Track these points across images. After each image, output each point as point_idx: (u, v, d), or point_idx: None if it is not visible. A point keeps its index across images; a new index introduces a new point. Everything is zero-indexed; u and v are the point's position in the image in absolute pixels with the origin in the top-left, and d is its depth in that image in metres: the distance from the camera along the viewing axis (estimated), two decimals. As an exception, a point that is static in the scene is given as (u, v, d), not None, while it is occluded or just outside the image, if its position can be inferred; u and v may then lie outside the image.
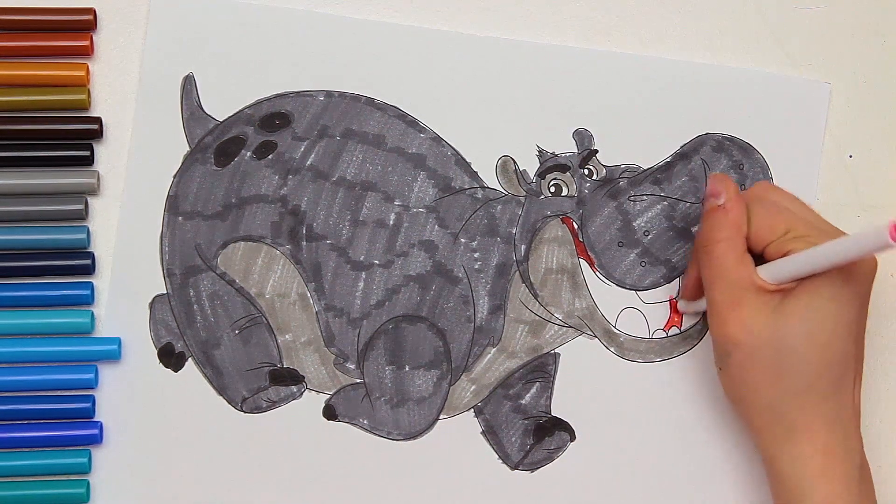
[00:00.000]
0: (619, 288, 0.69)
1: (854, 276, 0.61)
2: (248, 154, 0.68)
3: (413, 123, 0.69)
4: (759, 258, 0.63)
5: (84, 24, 0.67)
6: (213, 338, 0.68)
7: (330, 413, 0.68)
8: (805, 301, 0.60)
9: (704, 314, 0.68)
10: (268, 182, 0.68)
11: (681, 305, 0.69)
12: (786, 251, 0.62)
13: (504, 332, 0.69)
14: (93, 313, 0.67)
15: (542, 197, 0.69)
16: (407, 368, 0.68)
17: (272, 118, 0.69)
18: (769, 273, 0.62)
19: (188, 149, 0.68)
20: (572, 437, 0.69)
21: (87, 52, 0.67)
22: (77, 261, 0.67)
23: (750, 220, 0.63)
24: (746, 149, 0.69)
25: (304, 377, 0.68)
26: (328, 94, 0.69)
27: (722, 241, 0.63)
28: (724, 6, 0.70)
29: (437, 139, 0.69)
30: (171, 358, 0.68)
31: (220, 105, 0.69)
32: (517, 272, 0.69)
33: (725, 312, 0.62)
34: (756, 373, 0.61)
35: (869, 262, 0.62)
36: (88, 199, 0.68)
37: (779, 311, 0.61)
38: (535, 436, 0.69)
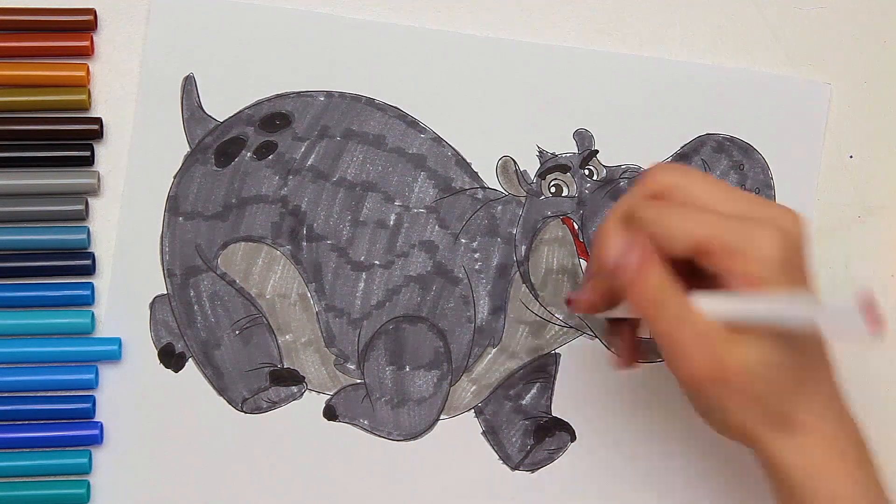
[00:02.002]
0: (620, 288, 0.69)
1: None
2: (249, 154, 0.68)
3: (413, 124, 0.69)
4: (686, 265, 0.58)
5: (84, 24, 0.67)
6: (213, 338, 0.68)
7: (330, 413, 0.68)
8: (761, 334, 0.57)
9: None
10: (268, 182, 0.68)
11: (578, 311, 0.64)
12: (715, 276, 0.56)
13: (504, 333, 0.69)
14: (93, 313, 0.67)
15: (543, 197, 0.69)
16: (407, 369, 0.68)
17: (272, 118, 0.69)
18: (713, 311, 0.56)
19: (188, 149, 0.68)
20: (573, 438, 0.69)
21: (87, 52, 0.67)
22: (77, 261, 0.67)
23: (661, 231, 0.57)
24: (747, 149, 0.69)
25: (304, 377, 0.68)
26: (328, 94, 0.69)
27: (658, 302, 0.57)
28: (724, 6, 0.70)
29: (438, 139, 0.69)
30: (171, 358, 0.68)
31: (221, 105, 0.69)
32: (518, 273, 0.69)
33: (690, 357, 0.57)
34: (742, 396, 0.58)
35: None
36: (89, 199, 0.68)
37: (742, 334, 0.57)
38: (535, 436, 0.69)
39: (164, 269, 0.68)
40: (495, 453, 0.69)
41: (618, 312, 0.61)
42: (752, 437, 0.60)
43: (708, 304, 0.56)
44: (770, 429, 0.59)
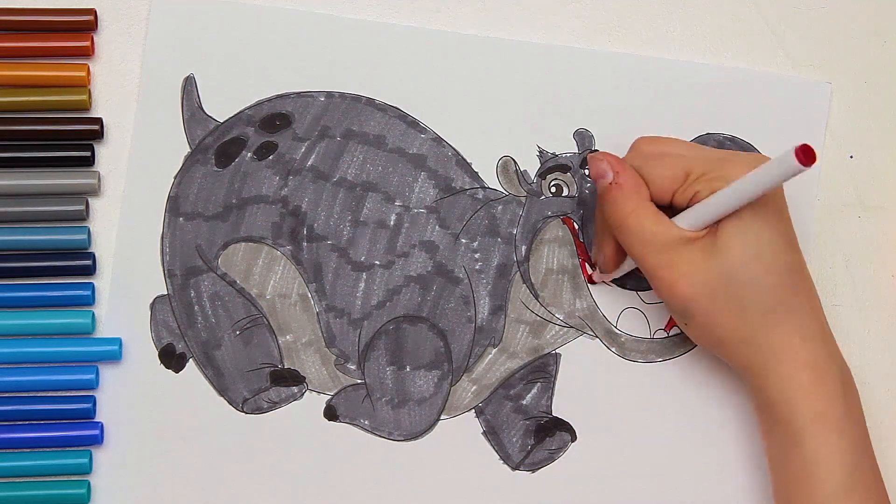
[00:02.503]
0: (620, 288, 0.69)
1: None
2: (249, 155, 0.68)
3: (413, 124, 0.69)
4: (668, 206, 0.63)
5: (85, 24, 0.67)
6: (213, 338, 0.68)
7: (331, 414, 0.68)
8: (736, 231, 0.60)
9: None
10: (268, 183, 0.68)
11: (597, 276, 0.68)
12: (693, 194, 0.61)
13: (505, 333, 0.69)
14: (93, 314, 0.67)
15: (543, 197, 0.69)
16: (408, 369, 0.68)
17: (273, 119, 0.69)
18: (689, 222, 0.61)
19: (189, 149, 0.68)
20: (573, 438, 0.69)
21: (87, 52, 0.67)
22: (78, 261, 0.67)
23: (647, 177, 0.63)
24: (747, 149, 0.69)
25: (304, 378, 0.68)
26: (329, 94, 0.69)
27: (631, 214, 0.62)
28: (725, 6, 0.71)
29: (438, 140, 0.69)
30: (171, 359, 0.68)
31: (221, 106, 0.69)
32: (518, 272, 0.69)
33: (667, 275, 0.62)
34: (721, 315, 0.62)
35: None
36: (89, 199, 0.68)
37: (716, 252, 0.61)
38: (536, 436, 0.69)
39: (164, 270, 0.68)
40: (496, 453, 0.69)
41: (627, 266, 0.66)
42: (727, 355, 0.64)
43: (686, 219, 0.62)
44: (743, 348, 0.62)
